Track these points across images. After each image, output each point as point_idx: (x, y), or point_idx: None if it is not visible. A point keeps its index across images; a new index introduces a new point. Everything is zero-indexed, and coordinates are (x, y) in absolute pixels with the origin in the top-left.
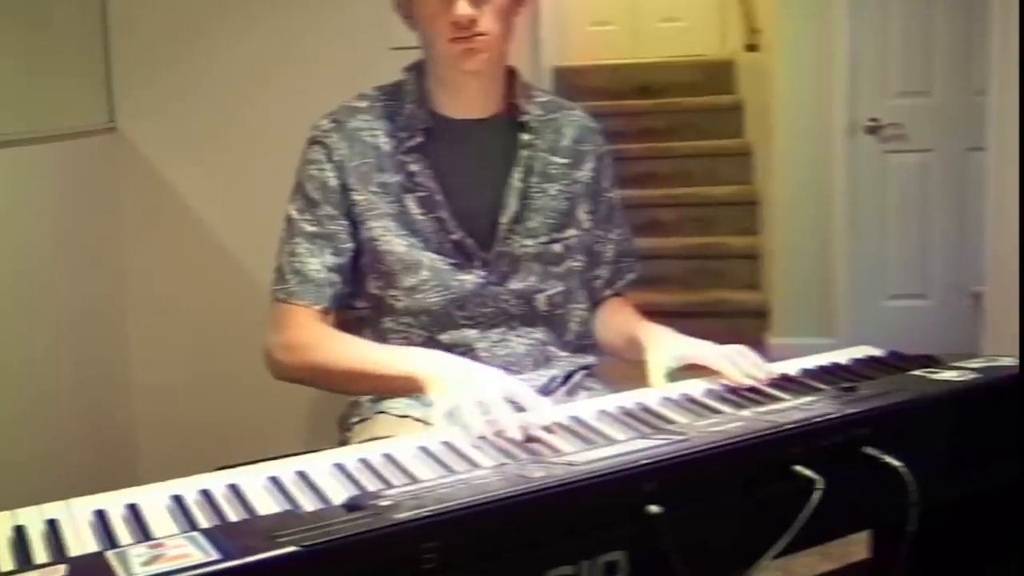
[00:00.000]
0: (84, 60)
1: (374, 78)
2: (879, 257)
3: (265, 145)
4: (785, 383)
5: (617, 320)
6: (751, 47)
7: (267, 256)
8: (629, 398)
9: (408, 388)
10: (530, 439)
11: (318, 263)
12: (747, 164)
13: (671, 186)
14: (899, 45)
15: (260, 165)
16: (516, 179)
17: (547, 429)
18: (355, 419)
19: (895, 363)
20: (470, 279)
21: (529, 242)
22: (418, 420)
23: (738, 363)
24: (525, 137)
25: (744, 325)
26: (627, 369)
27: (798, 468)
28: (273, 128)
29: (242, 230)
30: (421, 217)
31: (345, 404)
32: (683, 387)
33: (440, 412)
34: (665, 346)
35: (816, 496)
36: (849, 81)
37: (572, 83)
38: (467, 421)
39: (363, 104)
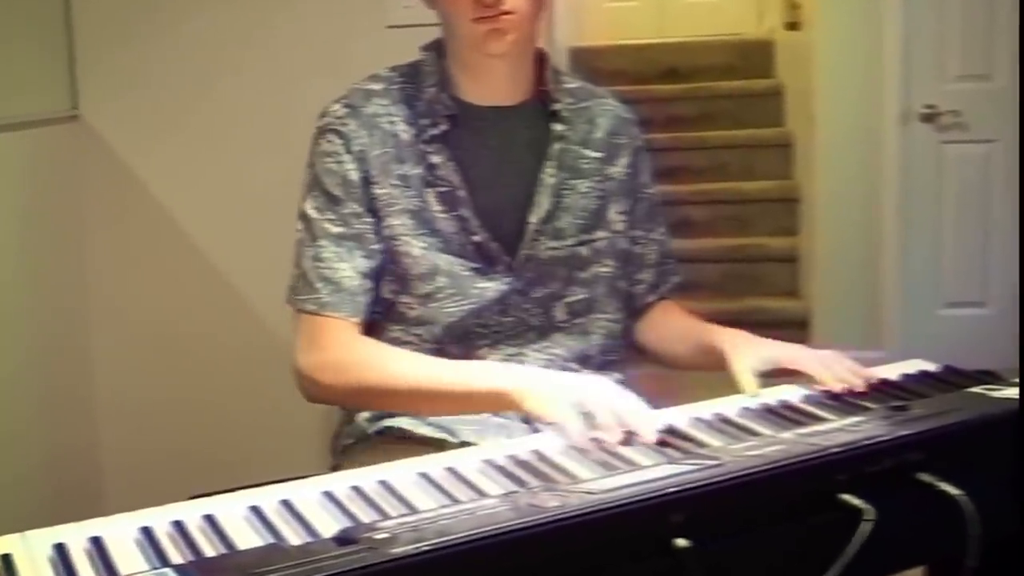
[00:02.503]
0: (43, 40)
1: (368, 60)
2: (934, 260)
3: (245, 135)
4: (830, 402)
5: (678, 326)
6: (792, 25)
7: (249, 258)
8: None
9: (493, 406)
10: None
11: (350, 268)
12: (787, 156)
13: (702, 181)
14: (958, 23)
15: (239, 157)
16: (548, 174)
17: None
18: (349, 441)
19: (951, 379)
20: (492, 287)
21: (557, 245)
22: (420, 441)
23: (832, 368)
24: (557, 128)
25: (783, 336)
26: (654, 386)
27: (845, 497)
28: (254, 116)
29: (220, 229)
30: (442, 215)
31: (337, 424)
32: (715, 406)
33: (563, 413)
34: (751, 351)
35: (865, 528)
36: (902, 63)
37: (591, 66)
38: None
39: (378, 87)
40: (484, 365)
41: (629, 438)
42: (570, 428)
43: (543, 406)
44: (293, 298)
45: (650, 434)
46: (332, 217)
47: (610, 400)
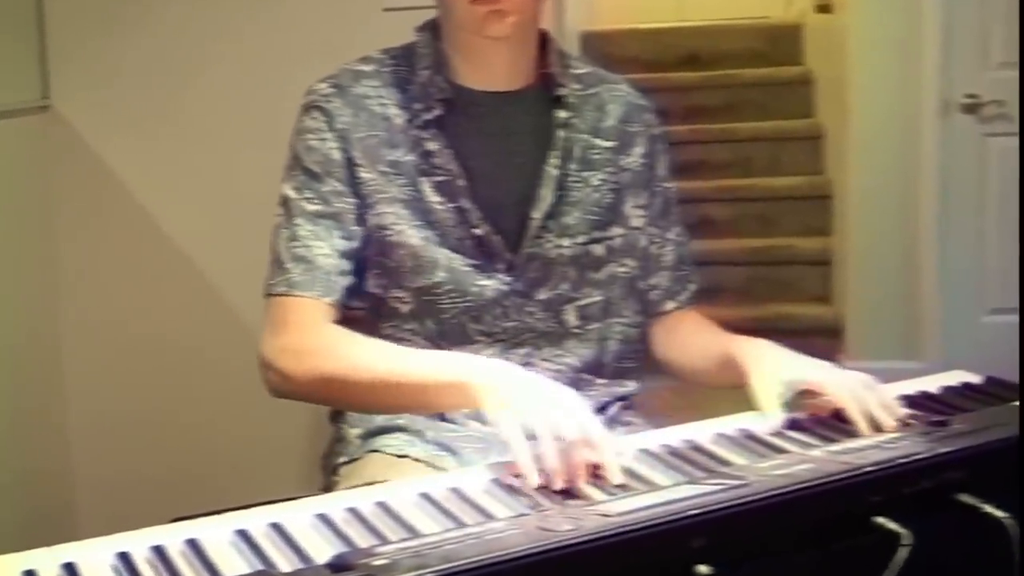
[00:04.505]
0: (12, 25)
1: (364, 45)
2: (976, 263)
3: (229, 126)
4: None
5: (699, 339)
6: (823, 8)
7: (235, 261)
8: (675, 434)
9: (455, 401)
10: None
11: (326, 247)
12: (817, 150)
13: (725, 176)
14: (1002, 5)
15: (224, 150)
16: (552, 165)
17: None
18: (343, 459)
19: (995, 392)
20: (491, 285)
21: (565, 242)
22: (418, 460)
23: (864, 400)
24: (562, 115)
25: (813, 345)
26: (672, 398)
27: (880, 520)
28: (239, 106)
29: (204, 228)
30: (439, 206)
31: (328, 441)
32: (740, 421)
33: (511, 429)
34: (773, 367)
35: (902, 553)
36: (942, 49)
37: (604, 52)
38: (544, 452)
39: (368, 68)
40: (454, 355)
41: (570, 486)
42: (515, 451)
43: (498, 415)
44: (266, 283)
45: (614, 477)
46: (310, 195)
47: (581, 421)
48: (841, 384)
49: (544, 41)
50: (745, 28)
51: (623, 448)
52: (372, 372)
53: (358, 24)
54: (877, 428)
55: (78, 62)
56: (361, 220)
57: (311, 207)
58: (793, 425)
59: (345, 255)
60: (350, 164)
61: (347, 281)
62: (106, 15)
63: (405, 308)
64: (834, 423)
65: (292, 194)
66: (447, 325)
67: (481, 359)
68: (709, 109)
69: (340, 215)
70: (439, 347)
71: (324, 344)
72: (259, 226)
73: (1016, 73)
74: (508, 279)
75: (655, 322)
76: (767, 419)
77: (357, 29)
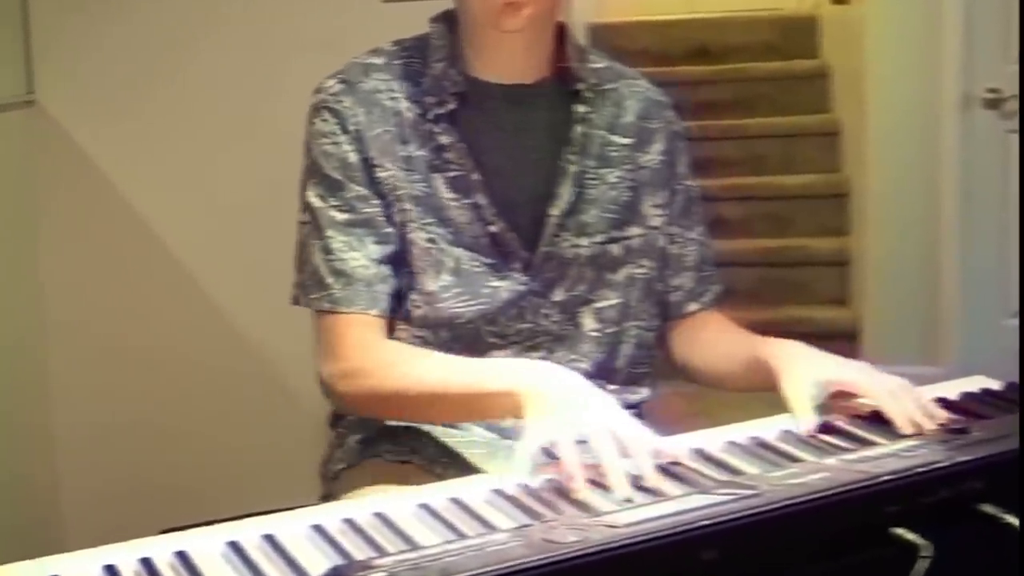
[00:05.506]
0: None
1: (361, 37)
2: (999, 264)
3: (221, 122)
4: (880, 423)
5: (726, 341)
6: None
7: (227, 261)
8: (685, 443)
9: (507, 409)
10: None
11: (362, 257)
12: (834, 147)
13: (737, 174)
14: None
15: (215, 146)
16: (570, 161)
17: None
18: (341, 466)
19: (1017, 398)
20: (506, 286)
21: (583, 242)
22: (419, 466)
23: (903, 403)
24: (580, 109)
25: (829, 349)
26: (684, 404)
27: (897, 531)
28: (231, 101)
29: (194, 227)
30: (453, 203)
31: (327, 447)
32: (752, 428)
33: (529, 447)
34: (806, 368)
35: (920, 566)
36: (963, 41)
37: (612, 44)
38: (565, 458)
39: (378, 61)
40: (505, 362)
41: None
42: (563, 455)
43: (540, 418)
44: (306, 298)
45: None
46: (337, 203)
47: (615, 429)
48: (880, 387)
49: (561, 34)
50: (757, 20)
51: (675, 449)
52: (427, 386)
53: (355, 15)
54: (918, 430)
55: (63, 57)
56: (391, 220)
57: (340, 216)
58: (811, 431)
59: (382, 261)
60: (367, 165)
61: (389, 287)
62: (91, 10)
63: (417, 312)
64: (849, 431)
65: (317, 202)
66: (461, 330)
67: (530, 363)
68: (720, 104)
69: (370, 220)
70: (450, 351)
71: (379, 364)
72: (249, 222)
73: None
74: (524, 279)
75: (676, 324)
76: (799, 422)
77: (355, 19)
